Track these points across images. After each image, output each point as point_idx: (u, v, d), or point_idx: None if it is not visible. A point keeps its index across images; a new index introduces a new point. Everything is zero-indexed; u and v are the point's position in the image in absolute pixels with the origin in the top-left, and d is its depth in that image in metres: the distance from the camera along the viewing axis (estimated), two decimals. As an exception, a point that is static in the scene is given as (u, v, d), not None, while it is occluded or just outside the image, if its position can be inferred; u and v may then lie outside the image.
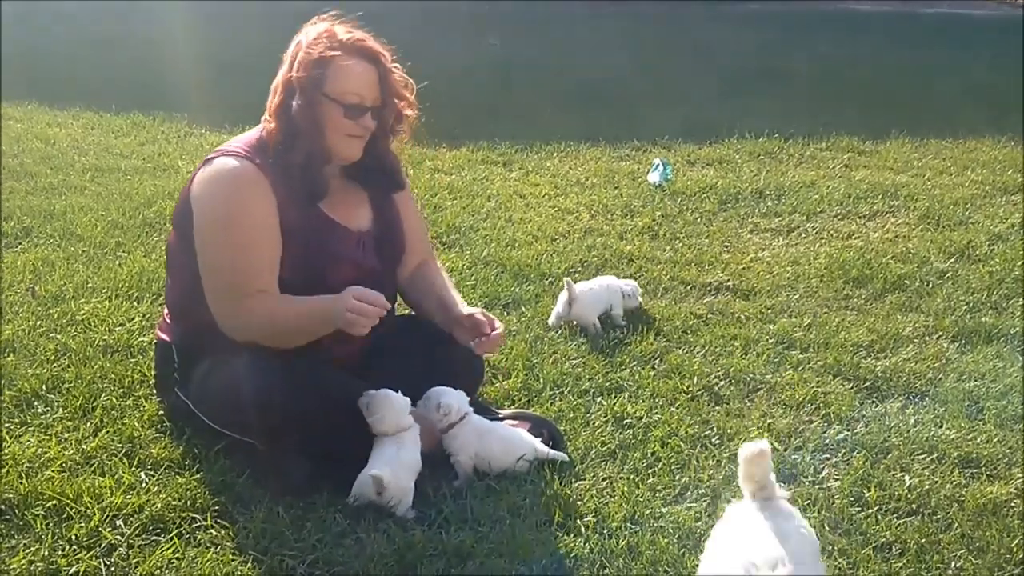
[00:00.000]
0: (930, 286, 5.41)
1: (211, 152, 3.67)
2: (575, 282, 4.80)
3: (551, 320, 4.76)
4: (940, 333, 4.80)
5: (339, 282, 3.50)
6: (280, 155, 3.53)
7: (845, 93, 11.08)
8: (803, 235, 6.34)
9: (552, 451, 3.59)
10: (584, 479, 3.52)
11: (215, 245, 3.51)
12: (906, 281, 5.45)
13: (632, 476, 3.53)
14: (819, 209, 6.80)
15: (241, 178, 3.51)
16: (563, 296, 4.72)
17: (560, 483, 3.44)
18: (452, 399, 3.55)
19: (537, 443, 3.59)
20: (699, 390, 4.16)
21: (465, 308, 3.72)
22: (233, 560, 3.01)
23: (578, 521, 3.26)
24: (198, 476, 3.43)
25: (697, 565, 3.01)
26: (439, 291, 3.85)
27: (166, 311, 3.82)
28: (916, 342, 4.70)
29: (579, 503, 3.36)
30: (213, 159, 3.58)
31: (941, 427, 3.92)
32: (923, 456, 3.72)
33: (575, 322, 4.72)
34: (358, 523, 3.21)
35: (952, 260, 5.82)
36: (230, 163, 3.54)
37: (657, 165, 7.58)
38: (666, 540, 3.15)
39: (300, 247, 3.54)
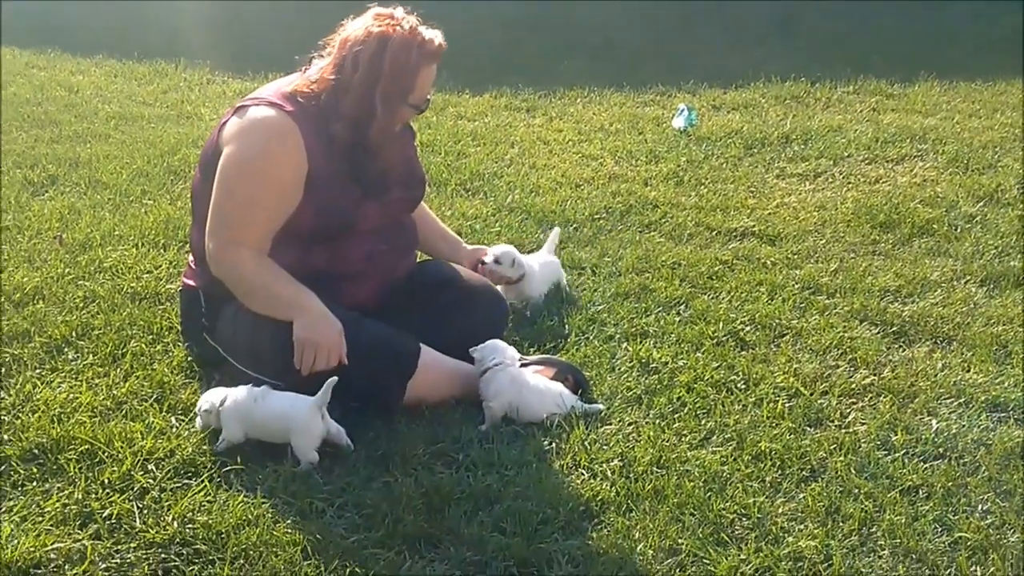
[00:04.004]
0: (958, 230, 5.36)
1: (243, 99, 3.69)
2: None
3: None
4: (968, 277, 4.76)
5: (367, 225, 3.66)
6: (335, 130, 3.56)
7: (874, 35, 10.92)
8: (830, 180, 6.29)
9: (588, 405, 3.59)
10: (610, 424, 3.53)
11: (229, 187, 3.54)
12: (934, 226, 5.41)
13: (658, 421, 3.54)
14: (846, 153, 6.74)
15: (275, 129, 3.53)
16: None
17: (586, 428, 3.46)
18: (490, 349, 3.60)
19: (573, 399, 3.59)
20: (724, 336, 4.16)
21: (469, 249, 4.23)
22: (264, 503, 3.04)
23: (604, 465, 3.28)
24: (228, 421, 3.46)
25: (723, 509, 3.03)
26: (440, 229, 4.27)
27: (191, 257, 3.84)
28: (944, 287, 4.67)
29: (605, 448, 3.37)
30: (247, 107, 3.59)
31: (968, 371, 3.91)
32: (950, 400, 3.71)
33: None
34: (386, 467, 3.24)
35: (981, 204, 5.76)
36: (267, 112, 3.55)
37: (682, 110, 7.52)
38: (692, 484, 3.16)
39: (329, 192, 3.56)
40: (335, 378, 3.27)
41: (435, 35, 3.57)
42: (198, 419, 3.39)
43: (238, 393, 3.34)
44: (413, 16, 3.58)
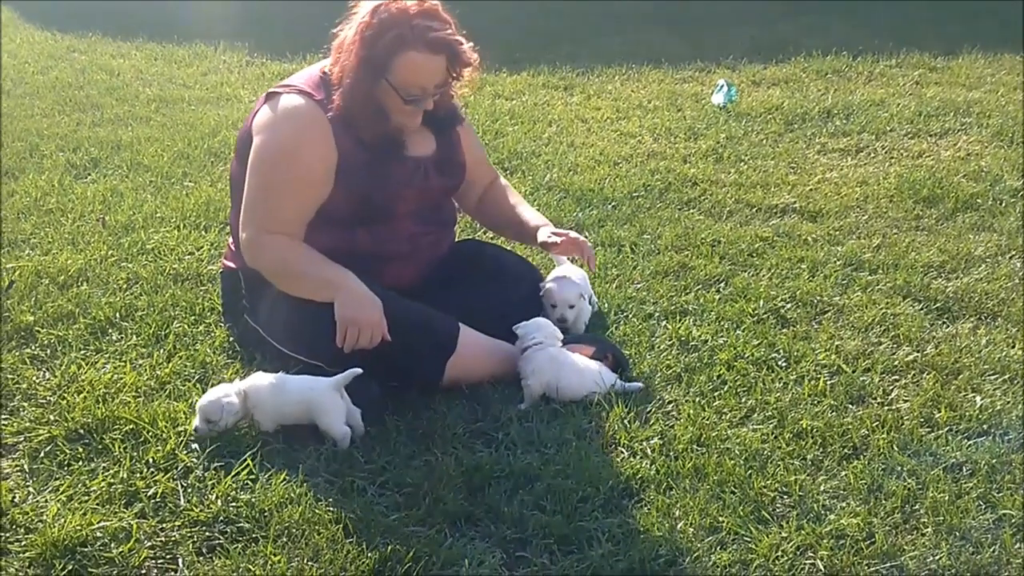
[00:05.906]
0: (1003, 205, 5.29)
1: (274, 86, 3.70)
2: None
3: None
4: (1013, 252, 4.70)
5: (404, 211, 3.66)
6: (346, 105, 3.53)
7: (916, 6, 10.75)
8: (872, 155, 6.22)
9: (627, 384, 3.58)
10: (650, 402, 3.52)
11: (259, 176, 3.56)
12: (978, 200, 5.33)
13: (698, 399, 3.53)
14: (888, 128, 6.65)
15: (303, 119, 3.54)
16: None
17: (625, 406, 3.45)
18: (533, 327, 3.60)
19: (613, 377, 3.58)
20: (765, 313, 4.13)
21: (540, 234, 3.81)
22: (305, 481, 3.07)
23: (644, 444, 3.27)
24: (269, 401, 3.49)
25: (764, 487, 3.02)
26: (509, 212, 4.04)
27: (231, 239, 3.87)
28: (988, 262, 4.61)
29: (645, 426, 3.37)
30: (278, 95, 3.60)
31: (1013, 347, 3.86)
32: (995, 377, 3.66)
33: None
34: (426, 446, 3.26)
35: (1026, 178, 5.68)
36: (296, 102, 3.56)
37: (721, 86, 7.46)
38: (732, 462, 3.15)
39: (361, 178, 3.56)
40: (359, 369, 3.29)
41: (441, 28, 3.45)
42: (198, 422, 3.28)
43: (258, 381, 3.34)
44: (442, 9, 3.50)
